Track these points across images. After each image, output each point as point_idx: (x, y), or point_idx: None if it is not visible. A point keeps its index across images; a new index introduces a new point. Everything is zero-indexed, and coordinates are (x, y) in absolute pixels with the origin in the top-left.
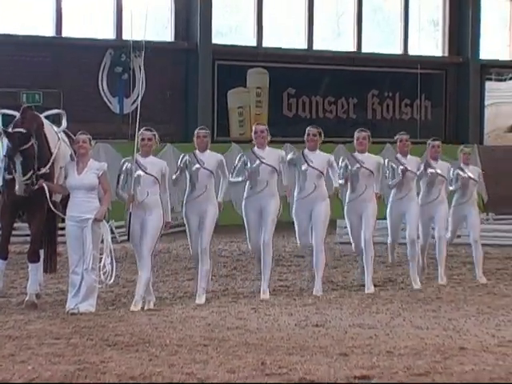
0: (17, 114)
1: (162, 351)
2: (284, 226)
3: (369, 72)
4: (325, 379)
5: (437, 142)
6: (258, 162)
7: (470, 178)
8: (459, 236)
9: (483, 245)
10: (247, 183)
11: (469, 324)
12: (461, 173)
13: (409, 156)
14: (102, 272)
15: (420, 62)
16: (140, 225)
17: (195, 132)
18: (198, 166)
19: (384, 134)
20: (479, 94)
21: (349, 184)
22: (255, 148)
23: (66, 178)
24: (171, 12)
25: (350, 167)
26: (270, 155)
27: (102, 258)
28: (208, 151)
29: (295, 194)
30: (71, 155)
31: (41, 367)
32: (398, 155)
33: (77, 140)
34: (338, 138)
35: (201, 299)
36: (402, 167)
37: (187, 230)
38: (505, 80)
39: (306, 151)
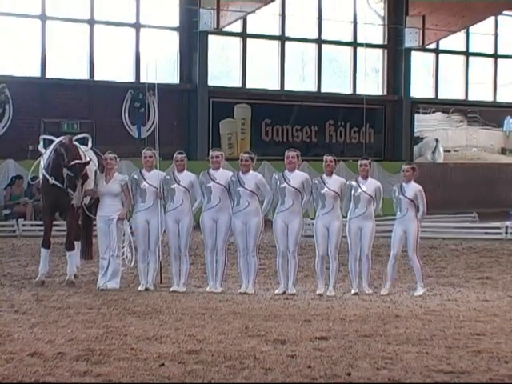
0: (55, 139)
1: (169, 318)
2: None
3: (326, 107)
4: (293, 339)
5: (364, 162)
6: (211, 182)
7: (403, 195)
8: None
9: None
10: (205, 200)
11: (402, 297)
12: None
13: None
14: (124, 257)
15: (365, 99)
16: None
17: (174, 156)
18: (175, 184)
19: (338, 154)
20: (410, 124)
21: (279, 197)
22: (211, 170)
23: (96, 186)
24: (177, 61)
25: (278, 183)
26: (222, 176)
27: (124, 247)
28: (185, 171)
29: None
30: (96, 170)
31: (77, 330)
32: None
33: (105, 158)
34: (303, 157)
35: (182, 289)
36: None
37: (167, 234)
38: (429, 113)
39: (241, 174)
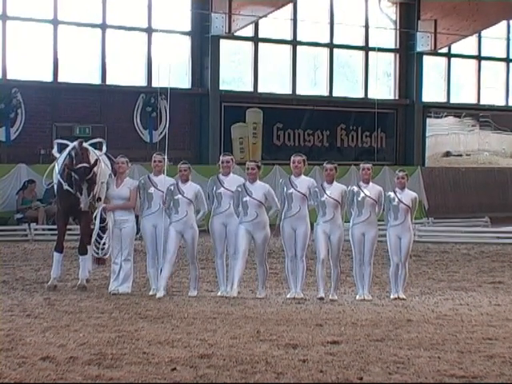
0: (69, 144)
1: (181, 322)
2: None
3: (338, 111)
4: (305, 343)
5: (367, 165)
6: (221, 188)
7: (400, 202)
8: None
9: (426, 242)
10: (215, 204)
11: (414, 302)
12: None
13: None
14: (105, 246)
15: (377, 103)
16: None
17: (178, 166)
18: (179, 195)
19: (349, 158)
20: (422, 128)
21: (286, 203)
22: (220, 175)
23: (107, 190)
24: (188, 66)
25: (285, 189)
26: (232, 182)
27: (106, 237)
28: (189, 182)
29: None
30: (110, 174)
31: (89, 335)
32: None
33: (117, 161)
34: (315, 161)
35: (193, 293)
36: None
37: (170, 243)
38: (441, 117)
39: (248, 183)
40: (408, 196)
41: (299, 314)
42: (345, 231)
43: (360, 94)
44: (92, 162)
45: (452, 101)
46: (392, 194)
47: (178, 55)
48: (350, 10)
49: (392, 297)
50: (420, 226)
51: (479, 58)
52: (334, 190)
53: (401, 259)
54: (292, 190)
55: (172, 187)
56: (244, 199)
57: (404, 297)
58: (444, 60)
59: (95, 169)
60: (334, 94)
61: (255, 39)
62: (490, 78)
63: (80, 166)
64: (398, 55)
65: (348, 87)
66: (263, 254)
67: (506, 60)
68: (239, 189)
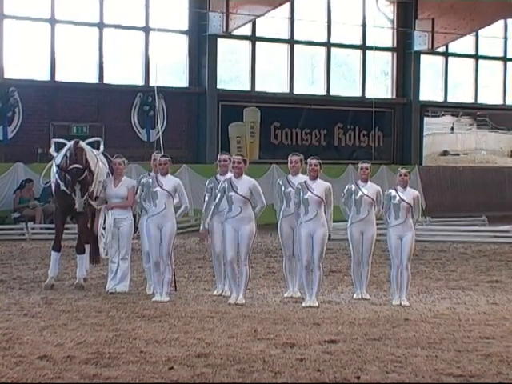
0: (66, 143)
1: (178, 321)
2: (273, 227)
3: (335, 110)
4: (302, 342)
5: (365, 165)
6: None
7: (402, 200)
8: None
9: (423, 241)
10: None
11: (411, 301)
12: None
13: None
14: (106, 247)
15: (374, 102)
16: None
17: (158, 158)
18: (158, 187)
19: (347, 157)
20: (419, 127)
21: (284, 202)
22: (218, 175)
23: (105, 189)
24: (186, 65)
25: (283, 188)
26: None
27: (107, 238)
28: (168, 175)
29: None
30: (108, 173)
31: (87, 334)
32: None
33: (114, 161)
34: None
35: (165, 299)
36: None
37: (147, 241)
38: (438, 116)
39: (233, 178)
40: (410, 194)
41: (296, 313)
42: (343, 230)
43: (357, 93)
44: (88, 162)
45: (449, 100)
46: (393, 192)
47: (176, 54)
48: (347, 8)
49: (394, 303)
50: (417, 225)
51: (476, 56)
52: (318, 186)
53: (402, 261)
54: (290, 189)
55: (150, 179)
56: (229, 194)
57: (408, 304)
58: (441, 59)
59: (93, 168)
60: (332, 93)
61: (252, 38)
62: (488, 76)
63: (72, 167)
64: (395, 54)
65: (345, 86)
66: (247, 252)
67: (503, 59)
68: (224, 183)
